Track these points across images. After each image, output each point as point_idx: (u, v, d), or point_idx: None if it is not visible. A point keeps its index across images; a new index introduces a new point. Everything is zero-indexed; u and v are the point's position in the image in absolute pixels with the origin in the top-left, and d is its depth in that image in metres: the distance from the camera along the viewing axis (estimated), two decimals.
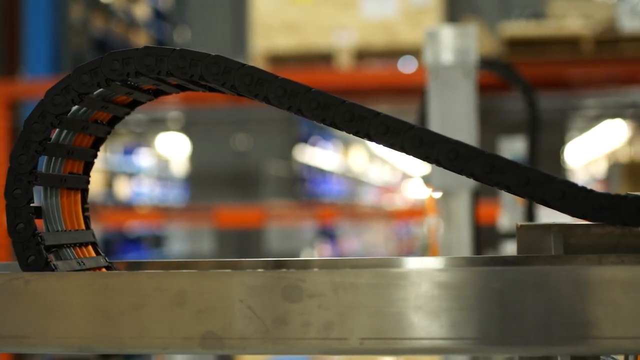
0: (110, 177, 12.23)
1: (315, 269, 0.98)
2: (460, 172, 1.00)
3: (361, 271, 0.97)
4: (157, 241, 12.43)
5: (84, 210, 1.19)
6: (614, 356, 1.38)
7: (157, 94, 1.16)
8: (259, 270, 0.97)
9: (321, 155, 13.52)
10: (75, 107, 1.11)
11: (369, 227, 13.29)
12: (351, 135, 1.02)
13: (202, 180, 8.13)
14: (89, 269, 1.15)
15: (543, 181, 0.97)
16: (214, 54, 1.04)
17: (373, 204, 12.82)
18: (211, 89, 1.10)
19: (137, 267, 1.25)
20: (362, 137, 1.01)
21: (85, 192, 1.20)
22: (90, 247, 1.18)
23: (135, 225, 11.05)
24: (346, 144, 16.23)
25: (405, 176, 21.27)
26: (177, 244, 8.17)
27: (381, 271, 0.96)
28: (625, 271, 0.95)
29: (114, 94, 1.13)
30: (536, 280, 0.95)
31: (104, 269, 1.19)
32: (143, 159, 13.65)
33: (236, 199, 7.87)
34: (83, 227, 1.18)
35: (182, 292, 0.99)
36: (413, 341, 0.97)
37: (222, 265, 1.25)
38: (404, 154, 1.02)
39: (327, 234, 11.91)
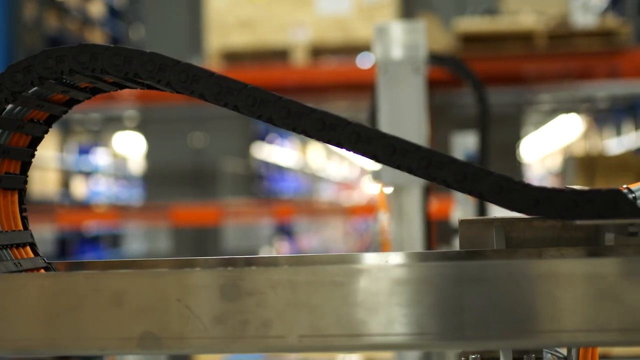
0: (67, 176, 12.12)
1: (253, 267, 0.97)
2: (398, 167, 0.99)
3: (299, 269, 0.96)
4: (115, 240, 12.35)
5: (22, 210, 1.17)
6: (558, 349, 1.39)
7: (94, 92, 1.15)
8: (197, 269, 0.97)
9: (279, 152, 13.50)
10: (10, 106, 1.10)
11: (327, 223, 13.31)
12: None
13: (159, 178, 8.08)
14: (26, 270, 1.13)
15: (480, 176, 0.97)
16: (148, 51, 1.03)
17: (331, 200, 12.83)
18: (149, 87, 1.09)
19: (78, 268, 1.24)
20: (299, 134, 1.00)
21: (22, 192, 1.18)
22: (28, 248, 1.17)
23: (92, 225, 10.97)
24: (304, 141, 16.23)
25: (364, 172, 21.31)
26: (135, 243, 8.12)
27: (319, 269, 0.96)
28: (563, 265, 0.95)
29: (50, 92, 1.11)
30: (475, 275, 0.95)
31: (42, 270, 1.17)
32: (100, 157, 13.54)
33: (194, 197, 7.83)
34: (20, 227, 1.16)
35: (119, 292, 0.98)
36: (352, 338, 0.96)
37: (164, 264, 1.23)
38: (342, 150, 1.01)
39: (286, 231, 11.91)
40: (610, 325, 0.94)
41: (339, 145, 0.99)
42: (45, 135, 1.19)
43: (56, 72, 1.03)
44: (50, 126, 1.18)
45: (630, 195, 1.09)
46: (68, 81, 1.09)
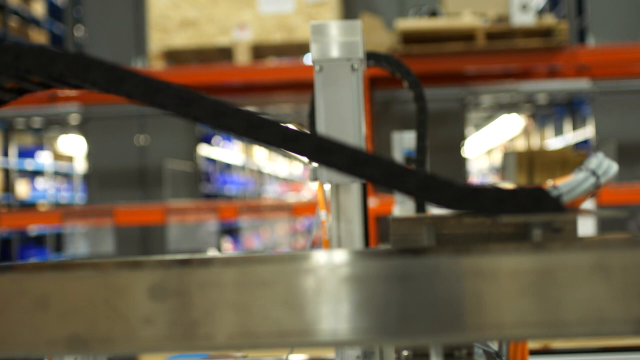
0: (10, 177, 11.94)
1: (181, 268, 0.97)
2: (326, 165, 1.00)
3: (227, 269, 0.96)
4: (60, 242, 12.20)
5: None
6: (490, 344, 1.41)
7: (21, 92, 1.14)
8: (124, 270, 0.96)
9: (225, 152, 13.45)
10: None
11: (275, 222, 13.29)
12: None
13: (102, 178, 8.01)
14: None
15: (405, 174, 0.98)
16: (73, 52, 1.02)
17: (278, 199, 12.81)
18: (76, 86, 1.08)
19: (7, 271, 1.22)
20: (227, 132, 1.00)
21: None
22: None
23: (36, 227, 10.83)
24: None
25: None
26: (80, 244, 8.03)
27: (246, 269, 0.96)
28: (487, 261, 0.96)
29: None
30: (401, 272, 0.96)
31: None
32: (44, 158, 13.37)
33: (138, 198, 7.77)
34: None
35: (46, 295, 0.97)
36: (280, 336, 0.97)
37: (95, 266, 1.22)
38: (271, 148, 1.02)
39: (232, 231, 11.87)
40: (534, 319, 0.96)
41: (267, 143, 0.99)
42: None
43: None
44: None
45: (555, 192, 1.11)
46: None
